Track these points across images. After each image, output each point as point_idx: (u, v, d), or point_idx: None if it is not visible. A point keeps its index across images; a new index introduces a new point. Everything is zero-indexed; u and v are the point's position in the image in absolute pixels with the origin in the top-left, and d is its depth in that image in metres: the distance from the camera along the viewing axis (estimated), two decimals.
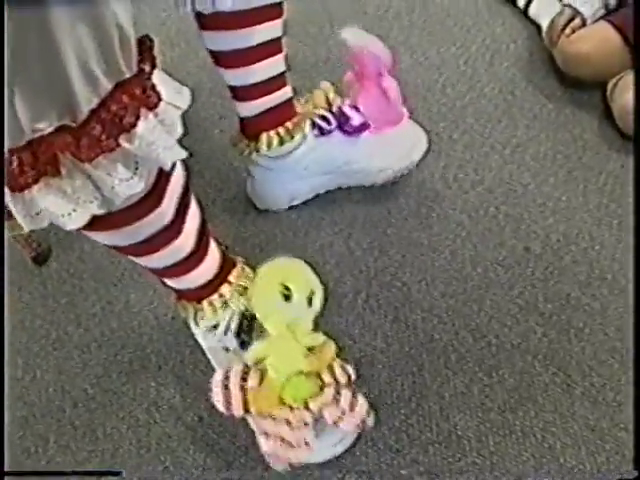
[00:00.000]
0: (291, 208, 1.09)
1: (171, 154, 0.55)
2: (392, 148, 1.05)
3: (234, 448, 0.87)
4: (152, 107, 0.52)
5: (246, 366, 0.77)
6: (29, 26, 0.40)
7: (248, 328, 0.82)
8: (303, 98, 1.03)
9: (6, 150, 0.46)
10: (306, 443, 0.76)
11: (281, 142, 0.98)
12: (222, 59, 0.89)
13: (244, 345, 0.82)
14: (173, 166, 0.64)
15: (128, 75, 0.49)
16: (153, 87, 0.52)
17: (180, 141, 0.57)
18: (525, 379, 0.90)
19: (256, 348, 0.78)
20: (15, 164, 0.47)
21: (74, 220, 0.53)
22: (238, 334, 0.83)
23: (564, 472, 0.83)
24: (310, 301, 0.79)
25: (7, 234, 1.00)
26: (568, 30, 1.22)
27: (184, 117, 0.57)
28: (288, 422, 0.75)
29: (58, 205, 0.52)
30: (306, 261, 0.79)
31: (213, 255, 0.81)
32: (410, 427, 0.87)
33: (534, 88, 1.23)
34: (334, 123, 1.02)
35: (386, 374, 0.92)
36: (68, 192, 0.51)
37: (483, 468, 0.84)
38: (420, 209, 1.08)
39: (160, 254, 0.71)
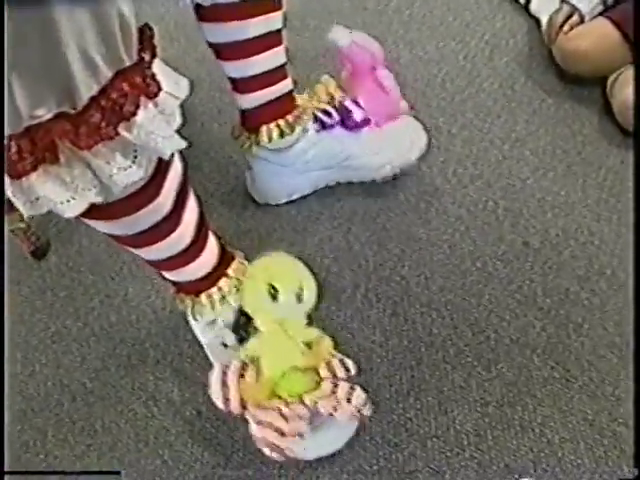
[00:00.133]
0: (290, 202, 1.09)
1: (170, 144, 0.55)
2: (392, 144, 1.05)
3: (232, 442, 0.87)
4: (152, 96, 0.52)
5: (244, 363, 0.77)
6: (29, 12, 0.40)
7: (245, 324, 0.82)
8: (305, 92, 1.03)
9: (5, 136, 0.46)
10: (300, 434, 0.75)
11: (281, 134, 0.98)
12: (222, 51, 0.89)
13: (242, 341, 0.82)
14: (172, 157, 0.64)
15: (128, 63, 0.50)
16: (153, 76, 0.52)
17: (179, 133, 0.57)
18: (524, 373, 0.90)
19: (249, 345, 0.78)
20: (14, 150, 0.47)
21: (72, 208, 0.53)
22: (236, 330, 0.83)
23: (562, 466, 0.83)
24: (300, 297, 0.79)
25: (6, 228, 1.00)
26: (566, 27, 1.22)
27: (183, 110, 0.57)
28: (282, 414, 0.75)
29: (56, 192, 0.52)
30: (305, 255, 0.79)
31: (211, 248, 0.81)
32: (409, 421, 0.87)
33: (533, 83, 1.23)
34: (336, 117, 1.02)
35: (385, 368, 0.92)
36: (67, 180, 0.51)
37: (481, 462, 0.84)
38: (419, 203, 1.08)
39: (159, 245, 0.71)
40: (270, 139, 0.98)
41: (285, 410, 0.75)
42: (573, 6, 1.22)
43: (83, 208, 0.53)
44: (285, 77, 0.95)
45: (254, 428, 0.77)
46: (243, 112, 0.99)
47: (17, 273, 1.05)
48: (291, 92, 0.98)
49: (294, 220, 1.08)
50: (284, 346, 0.78)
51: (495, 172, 1.11)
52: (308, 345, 0.79)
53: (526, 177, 1.10)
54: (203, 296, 0.82)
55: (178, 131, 0.56)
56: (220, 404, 0.76)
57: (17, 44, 0.41)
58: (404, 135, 1.07)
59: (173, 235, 0.71)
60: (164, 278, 0.83)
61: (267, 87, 0.94)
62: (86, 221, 0.64)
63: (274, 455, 0.77)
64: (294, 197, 1.09)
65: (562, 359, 0.91)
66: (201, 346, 0.90)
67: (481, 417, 0.87)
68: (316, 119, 1.02)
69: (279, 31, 0.90)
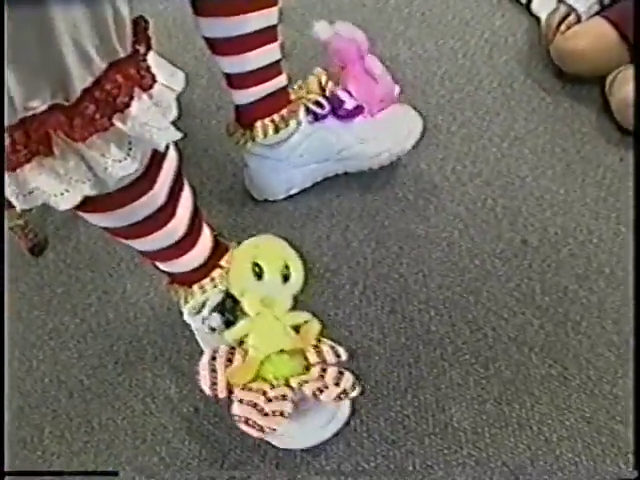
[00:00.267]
0: (288, 199, 1.09)
1: (165, 135, 0.55)
2: (387, 132, 1.05)
3: (230, 439, 0.87)
4: (146, 88, 0.52)
5: (232, 347, 0.77)
6: (23, 5, 0.40)
7: (231, 307, 0.82)
8: (296, 84, 1.03)
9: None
10: (281, 413, 0.75)
11: (276, 130, 0.98)
12: (217, 46, 0.89)
13: (229, 324, 0.82)
14: (166, 149, 0.64)
15: (122, 55, 0.50)
16: (148, 68, 0.52)
17: (176, 127, 0.57)
18: (522, 371, 0.90)
19: (236, 327, 0.78)
20: (7, 142, 0.47)
21: (66, 200, 0.53)
22: (222, 313, 0.83)
23: (560, 464, 0.82)
24: (286, 278, 0.79)
25: (6, 226, 1.00)
26: (563, 27, 1.22)
27: (181, 106, 0.57)
28: (266, 396, 0.75)
29: (50, 185, 0.51)
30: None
31: (205, 239, 0.81)
32: (406, 418, 0.87)
33: (533, 81, 1.23)
34: (327, 107, 1.02)
35: (382, 365, 0.91)
36: (61, 172, 0.51)
37: (479, 460, 0.83)
38: (418, 201, 1.07)
39: (153, 237, 0.71)
40: (265, 134, 0.98)
41: (269, 392, 0.75)
42: (570, 6, 1.22)
43: (77, 200, 0.53)
44: (280, 73, 0.96)
45: (235, 408, 0.76)
46: (238, 108, 0.99)
47: (15, 270, 1.05)
48: (285, 87, 0.98)
49: (292, 217, 1.08)
50: (271, 328, 0.78)
51: (494, 170, 1.11)
52: (296, 328, 0.79)
53: (525, 175, 1.10)
54: (196, 287, 0.82)
55: (174, 124, 0.56)
56: (207, 389, 0.76)
57: (12, 37, 0.41)
58: (399, 123, 1.07)
59: (167, 226, 0.71)
60: (158, 269, 0.83)
61: (262, 83, 0.94)
62: (81, 214, 0.64)
63: (253, 432, 0.75)
64: (292, 192, 1.09)
65: (560, 357, 0.91)
66: (199, 343, 0.90)
67: (479, 415, 0.87)
68: (308, 111, 1.02)
69: (275, 27, 0.90)
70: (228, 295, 0.82)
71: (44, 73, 0.45)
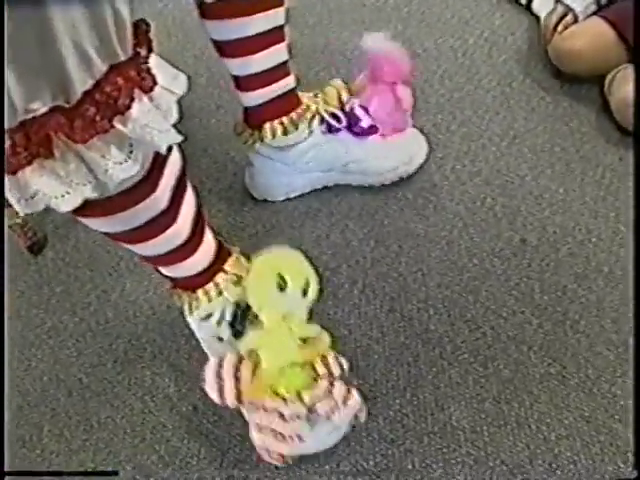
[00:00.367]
0: (288, 199, 1.09)
1: (166, 138, 0.55)
2: (395, 153, 1.06)
3: (229, 438, 0.87)
4: (147, 90, 0.52)
5: (240, 356, 0.77)
6: (23, 6, 0.40)
7: (242, 318, 0.82)
8: (312, 92, 1.03)
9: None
10: (299, 437, 0.75)
11: (285, 132, 0.98)
12: (225, 48, 0.89)
13: (237, 335, 0.82)
14: (169, 151, 0.64)
15: (123, 58, 0.50)
16: (148, 70, 0.52)
17: (177, 128, 0.57)
18: (520, 370, 0.90)
19: (249, 338, 0.78)
20: (8, 145, 0.47)
21: (67, 202, 0.53)
22: (232, 324, 0.83)
23: (559, 463, 0.83)
24: (305, 292, 0.79)
25: (5, 224, 1.00)
26: (561, 27, 1.22)
27: (181, 106, 0.57)
28: (281, 415, 0.75)
29: (51, 187, 0.51)
30: (302, 252, 0.79)
31: (208, 243, 0.80)
32: (405, 417, 0.87)
33: (532, 81, 1.23)
34: (344, 122, 1.01)
35: (381, 364, 0.91)
36: (61, 174, 0.51)
37: (478, 458, 0.83)
38: (417, 200, 1.08)
39: (155, 241, 0.71)
40: (274, 136, 0.98)
41: (284, 410, 0.75)
42: (567, 6, 1.22)
43: (78, 203, 0.53)
44: (288, 74, 0.95)
45: (255, 435, 0.76)
46: (246, 110, 0.99)
47: (14, 268, 1.05)
48: (294, 90, 0.98)
49: (292, 216, 1.08)
50: (284, 341, 0.77)
51: (493, 169, 1.11)
52: (303, 340, 0.79)
53: (524, 174, 1.10)
54: (200, 292, 0.82)
55: (175, 126, 0.56)
56: (215, 397, 0.76)
57: (12, 38, 0.41)
58: (407, 146, 1.08)
59: (170, 230, 0.71)
60: (161, 273, 0.83)
61: (270, 84, 0.94)
62: (82, 220, 0.64)
63: (276, 462, 0.78)
64: (292, 196, 1.09)
65: (559, 356, 0.91)
66: (198, 342, 0.89)
67: (477, 413, 0.87)
68: (323, 121, 1.01)
69: (282, 27, 0.90)
70: (238, 306, 0.81)
71: (44, 75, 0.45)
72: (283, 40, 0.91)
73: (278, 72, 0.94)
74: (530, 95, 1.21)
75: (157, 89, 0.54)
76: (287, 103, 0.98)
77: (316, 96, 1.03)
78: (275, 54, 0.91)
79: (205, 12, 0.85)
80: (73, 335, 0.98)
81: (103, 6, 0.45)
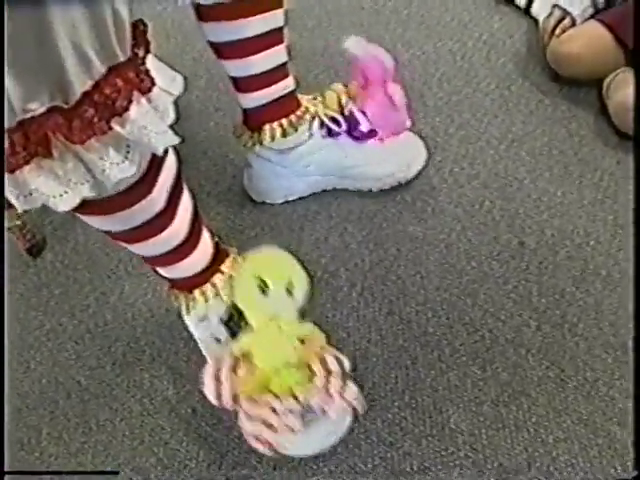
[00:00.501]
0: (287, 202, 1.09)
1: (163, 139, 0.55)
2: (394, 157, 1.06)
3: (228, 440, 0.87)
4: (145, 92, 0.53)
5: (237, 357, 0.77)
6: (23, 7, 0.40)
7: (237, 318, 0.82)
8: (311, 95, 1.03)
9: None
10: (290, 428, 0.75)
11: (284, 134, 0.98)
12: (222, 50, 0.89)
13: (235, 335, 0.82)
14: (166, 153, 0.64)
15: (122, 59, 0.50)
16: (147, 72, 0.52)
17: (174, 130, 0.57)
18: (519, 373, 0.90)
19: (241, 340, 0.78)
20: (7, 144, 0.47)
21: (65, 202, 0.53)
22: (228, 324, 0.83)
23: (557, 466, 0.83)
24: (291, 291, 0.79)
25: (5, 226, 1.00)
26: (558, 30, 1.22)
27: (179, 108, 0.57)
28: (273, 409, 0.75)
29: (49, 186, 0.52)
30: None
31: (206, 244, 0.81)
32: (403, 420, 0.87)
33: (530, 84, 1.23)
34: (344, 126, 1.02)
35: (380, 367, 0.92)
36: (59, 174, 0.51)
37: (476, 461, 0.83)
38: (415, 203, 1.08)
39: (153, 241, 0.71)
40: (273, 138, 0.98)
41: (277, 405, 0.75)
42: (564, 10, 1.22)
43: (76, 202, 0.53)
44: (286, 76, 0.95)
45: (244, 423, 0.76)
46: (245, 111, 0.99)
47: (13, 271, 1.05)
48: (293, 92, 0.98)
49: (290, 219, 1.08)
50: (276, 341, 0.77)
51: (492, 172, 1.11)
52: (301, 340, 0.79)
53: (522, 177, 1.10)
54: (197, 292, 0.82)
55: (173, 128, 0.57)
56: (213, 399, 0.76)
57: (11, 38, 0.41)
58: (406, 151, 1.08)
59: (167, 231, 0.71)
60: (158, 274, 0.83)
61: (268, 86, 0.94)
62: (81, 216, 0.64)
63: (264, 449, 0.76)
64: (290, 199, 1.09)
65: (557, 359, 0.91)
66: (197, 344, 0.90)
67: (476, 416, 0.87)
68: (323, 125, 1.02)
69: (280, 29, 0.90)
70: (233, 307, 0.82)
71: (43, 75, 0.45)
72: (282, 42, 0.91)
73: (277, 74, 0.94)
74: (528, 98, 1.21)
75: (155, 90, 0.54)
76: (286, 105, 0.98)
77: (315, 99, 1.03)
78: (274, 55, 0.91)
79: (202, 14, 0.85)
80: (72, 337, 0.98)
81: (103, 6, 0.45)
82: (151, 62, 0.54)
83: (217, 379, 0.76)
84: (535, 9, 1.32)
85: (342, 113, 1.02)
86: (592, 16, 1.21)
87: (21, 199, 0.52)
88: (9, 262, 1.05)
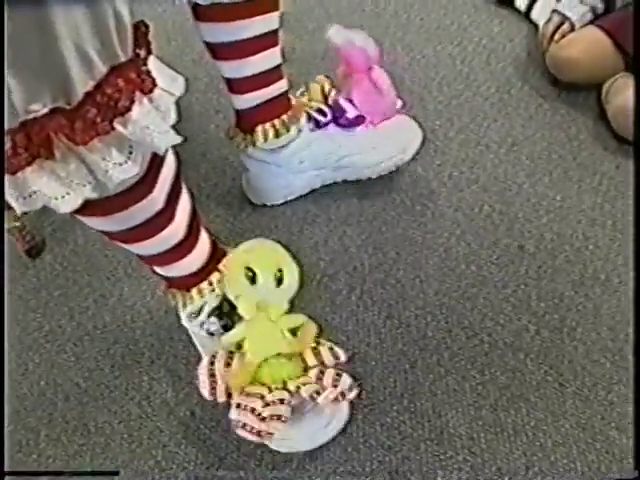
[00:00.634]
0: (286, 204, 1.09)
1: (165, 139, 0.55)
2: (388, 142, 1.05)
3: (226, 443, 0.87)
4: (147, 92, 0.53)
5: (230, 352, 0.77)
6: (24, 7, 0.40)
7: (229, 311, 0.82)
8: (299, 91, 1.03)
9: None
10: (278, 417, 0.75)
11: (277, 134, 0.98)
12: (218, 51, 0.90)
13: (227, 328, 0.82)
14: (165, 153, 0.65)
15: (123, 59, 0.50)
16: (148, 72, 0.53)
17: (175, 130, 0.57)
18: (517, 377, 0.90)
19: (232, 332, 0.79)
20: (9, 145, 0.47)
21: (67, 203, 0.53)
22: (220, 317, 0.83)
23: (555, 470, 0.83)
24: (280, 281, 0.79)
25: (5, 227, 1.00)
26: (557, 36, 1.23)
27: (179, 110, 0.57)
28: (264, 400, 0.75)
29: (51, 188, 0.52)
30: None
31: (203, 243, 0.81)
32: (402, 424, 0.87)
33: (530, 88, 1.24)
34: (329, 115, 1.02)
35: (379, 371, 0.92)
36: (62, 175, 0.51)
37: (474, 465, 0.84)
38: (415, 207, 1.08)
39: (152, 241, 0.72)
40: (266, 139, 0.98)
41: (267, 396, 0.75)
42: (563, 15, 1.23)
43: (78, 204, 0.53)
44: (280, 78, 0.96)
45: (233, 411, 0.76)
46: (238, 112, 0.99)
47: (12, 272, 1.05)
48: (286, 93, 0.98)
49: (290, 222, 1.08)
50: (267, 332, 0.78)
51: (491, 176, 1.11)
52: (293, 332, 0.79)
53: (522, 181, 1.10)
54: (194, 291, 0.82)
55: (174, 128, 0.57)
56: (206, 394, 0.76)
57: (12, 39, 0.41)
58: (400, 134, 1.07)
59: (166, 231, 0.71)
60: (156, 273, 0.83)
61: (262, 88, 0.94)
62: (79, 217, 0.64)
63: (250, 437, 0.76)
64: (290, 198, 1.09)
65: (556, 363, 0.91)
66: (196, 347, 0.90)
67: (474, 420, 0.87)
68: (310, 118, 1.02)
69: (276, 32, 0.90)
70: (226, 299, 0.82)
71: (45, 76, 0.45)
72: (277, 44, 0.92)
73: (272, 75, 0.94)
74: (528, 102, 1.21)
75: (157, 91, 0.54)
76: (279, 106, 0.98)
77: (301, 94, 1.04)
78: (269, 58, 0.92)
79: (200, 14, 0.85)
80: (71, 339, 0.98)
81: (104, 7, 0.45)
82: (152, 63, 0.54)
83: (212, 374, 0.76)
84: (535, 13, 1.32)
85: (327, 103, 1.02)
86: (591, 21, 1.22)
87: (21, 201, 0.52)
88: (8, 263, 1.05)
